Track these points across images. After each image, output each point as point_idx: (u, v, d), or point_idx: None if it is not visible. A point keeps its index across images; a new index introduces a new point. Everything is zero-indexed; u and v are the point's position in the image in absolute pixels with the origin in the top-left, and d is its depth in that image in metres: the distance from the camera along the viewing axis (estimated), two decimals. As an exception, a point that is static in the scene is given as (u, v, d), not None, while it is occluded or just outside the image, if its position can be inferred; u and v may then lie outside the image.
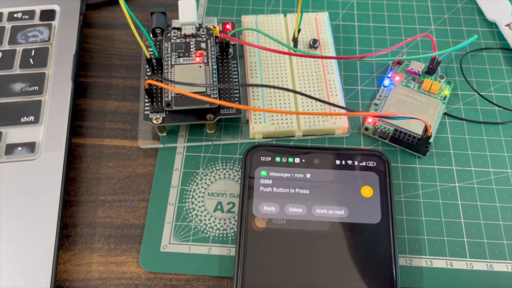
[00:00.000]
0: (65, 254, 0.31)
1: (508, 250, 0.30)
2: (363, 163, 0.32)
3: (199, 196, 0.32)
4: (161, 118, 0.33)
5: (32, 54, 0.36)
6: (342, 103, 0.34)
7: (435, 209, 0.32)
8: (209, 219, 0.31)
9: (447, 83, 0.36)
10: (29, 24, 0.38)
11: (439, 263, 0.30)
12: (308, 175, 0.31)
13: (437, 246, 0.30)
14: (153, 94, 0.33)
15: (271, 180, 0.31)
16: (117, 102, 0.37)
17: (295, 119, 0.34)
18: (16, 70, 0.35)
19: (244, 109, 0.34)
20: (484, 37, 0.39)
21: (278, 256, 0.29)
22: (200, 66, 0.33)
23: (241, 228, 0.29)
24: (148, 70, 0.35)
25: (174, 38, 0.35)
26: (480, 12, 0.41)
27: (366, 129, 0.34)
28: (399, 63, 0.37)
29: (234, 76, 0.35)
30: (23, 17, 0.38)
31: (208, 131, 0.35)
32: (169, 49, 0.34)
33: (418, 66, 0.36)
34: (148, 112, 0.33)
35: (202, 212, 0.32)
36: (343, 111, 0.33)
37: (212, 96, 0.32)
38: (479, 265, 0.30)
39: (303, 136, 0.34)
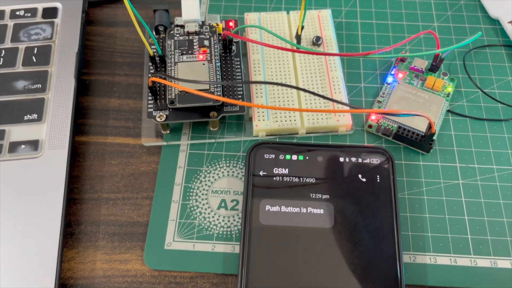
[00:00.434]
0: (69, 252, 0.31)
1: (512, 247, 0.30)
2: (367, 160, 0.32)
3: (202, 194, 0.32)
4: (164, 116, 0.32)
5: (35, 52, 0.36)
6: (345, 100, 0.34)
7: (439, 206, 0.32)
8: (213, 217, 0.31)
9: (450, 80, 0.36)
10: (31, 22, 0.38)
11: (443, 260, 0.30)
12: (311, 173, 0.31)
13: (441, 243, 0.30)
14: (157, 92, 0.33)
15: (275, 178, 0.31)
16: (120, 100, 0.37)
17: (299, 116, 0.34)
18: (19, 68, 0.35)
19: (247, 107, 0.34)
20: (487, 34, 0.39)
21: (282, 253, 0.29)
22: (203, 64, 0.33)
23: (245, 225, 0.29)
24: (151, 67, 0.34)
25: (177, 35, 0.35)
26: (483, 9, 0.41)
27: (370, 126, 0.34)
28: (402, 60, 0.37)
29: (237, 74, 0.35)
30: (26, 14, 0.38)
31: (211, 129, 0.34)
32: (172, 46, 0.34)
33: (421, 63, 0.36)
34: (151, 110, 0.33)
35: (206, 209, 0.32)
36: (347, 108, 0.33)
37: (215, 94, 0.32)
38: (483, 262, 0.30)
39: (306, 133, 0.34)
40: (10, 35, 0.37)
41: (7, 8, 0.38)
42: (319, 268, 0.28)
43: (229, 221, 0.31)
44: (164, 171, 0.33)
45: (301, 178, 0.31)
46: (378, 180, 0.31)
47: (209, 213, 0.32)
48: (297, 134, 0.34)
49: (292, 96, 0.34)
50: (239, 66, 0.35)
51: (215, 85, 0.32)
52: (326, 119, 0.34)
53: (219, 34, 0.35)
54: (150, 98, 0.33)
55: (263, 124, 0.33)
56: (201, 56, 0.33)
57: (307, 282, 0.28)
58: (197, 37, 0.35)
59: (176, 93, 0.32)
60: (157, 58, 0.34)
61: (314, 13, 0.38)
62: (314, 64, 0.36)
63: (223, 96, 0.33)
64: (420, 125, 0.33)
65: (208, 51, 0.34)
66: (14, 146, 0.32)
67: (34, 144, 0.32)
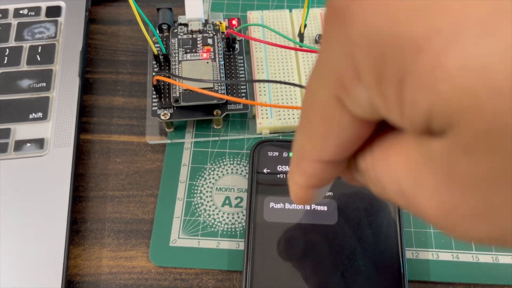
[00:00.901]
0: (75, 249, 0.31)
1: (513, 242, 0.31)
2: (370, 158, 0.32)
3: (207, 191, 0.33)
4: (169, 114, 0.33)
5: (39, 50, 0.36)
6: (348, 98, 0.35)
7: (441, 203, 0.32)
8: (217, 214, 0.32)
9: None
10: (35, 20, 0.38)
11: (445, 256, 0.30)
12: (315, 170, 0.32)
13: (443, 239, 0.31)
14: (161, 90, 0.33)
15: (278, 175, 0.31)
16: (124, 98, 0.37)
17: (302, 114, 0.34)
18: (23, 67, 0.36)
19: (251, 105, 0.34)
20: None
21: (287, 249, 0.29)
22: (207, 62, 0.33)
23: (250, 222, 0.30)
24: (156, 66, 0.35)
25: (181, 34, 0.35)
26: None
27: (372, 124, 0.35)
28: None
29: (240, 72, 0.35)
30: (29, 13, 0.38)
31: (215, 127, 0.35)
32: (176, 45, 0.34)
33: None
34: (156, 108, 0.33)
35: (210, 207, 0.32)
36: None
37: (219, 92, 0.32)
38: (485, 258, 0.30)
39: (309, 131, 0.34)
40: (14, 34, 0.37)
41: (11, 7, 0.38)
42: (323, 264, 0.29)
43: (233, 218, 0.32)
44: (169, 169, 0.33)
45: (305, 176, 0.31)
46: (381, 177, 0.31)
47: (213, 210, 0.32)
48: (300, 131, 0.34)
49: (295, 94, 0.35)
50: (242, 65, 0.35)
51: (219, 84, 0.32)
52: (329, 116, 0.34)
53: (222, 33, 0.35)
54: (154, 96, 0.33)
55: (266, 122, 0.34)
56: (205, 55, 0.34)
57: (311, 279, 0.28)
58: (200, 35, 0.35)
59: (180, 91, 0.32)
60: (161, 57, 0.34)
61: (317, 11, 0.38)
62: (316, 62, 0.36)
63: (227, 94, 0.33)
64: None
65: (211, 49, 0.34)
66: (19, 145, 0.32)
67: (39, 143, 0.33)
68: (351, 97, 0.13)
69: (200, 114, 0.33)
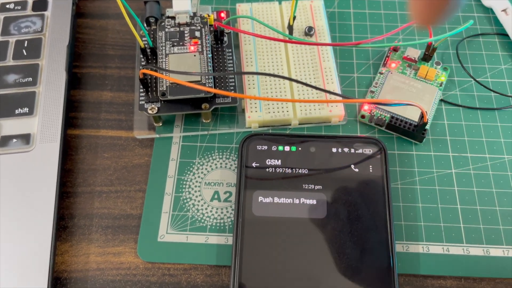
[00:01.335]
0: (63, 245, 0.31)
1: (504, 235, 0.30)
2: (360, 151, 0.32)
3: (195, 186, 0.32)
4: (156, 108, 0.32)
5: (25, 45, 0.36)
6: (338, 90, 0.34)
7: (431, 196, 0.32)
8: (206, 209, 0.31)
9: (443, 70, 0.36)
10: (21, 14, 0.37)
11: (435, 249, 0.30)
12: (304, 163, 0.31)
13: (433, 232, 0.31)
14: (148, 84, 0.33)
15: (267, 169, 0.31)
16: (112, 93, 0.36)
17: (291, 107, 0.34)
18: (9, 62, 0.35)
19: (240, 98, 0.34)
20: (480, 22, 0.39)
21: (275, 244, 0.29)
22: (194, 55, 0.33)
23: (238, 217, 0.29)
24: (143, 59, 0.34)
25: (168, 27, 0.34)
26: (476, -2, 0.41)
27: (363, 116, 0.34)
28: (395, 49, 0.37)
29: (229, 65, 0.35)
30: (15, 7, 0.38)
31: (204, 121, 0.34)
32: (163, 38, 0.34)
33: (414, 53, 0.36)
34: (143, 102, 0.33)
35: (199, 201, 0.32)
36: (339, 98, 0.33)
37: (207, 85, 0.32)
38: (476, 251, 0.30)
39: (299, 124, 0.34)
40: (0, 28, 0.37)
41: (-3, 1, 0.38)
42: (312, 258, 0.28)
43: (222, 212, 0.31)
44: (157, 164, 0.33)
45: (294, 169, 0.31)
46: (371, 170, 0.31)
47: (202, 205, 0.32)
48: (290, 125, 0.34)
49: (284, 87, 0.34)
50: (231, 57, 0.35)
51: (207, 77, 0.32)
52: (319, 109, 0.33)
53: (211, 25, 0.35)
54: (141, 90, 0.33)
55: (255, 115, 0.33)
56: (192, 48, 0.33)
57: (300, 273, 0.28)
58: (188, 28, 0.34)
59: (167, 85, 0.32)
60: (148, 50, 0.34)
61: (307, 3, 0.38)
62: (306, 54, 0.36)
63: (215, 87, 0.33)
64: (413, 115, 0.33)
65: (199, 42, 0.34)
66: (5, 140, 0.32)
67: (25, 138, 0.32)
68: None
69: (188, 108, 0.33)
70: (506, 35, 0.38)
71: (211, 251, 0.30)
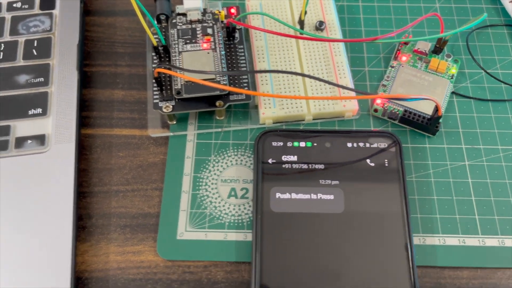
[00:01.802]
0: (82, 245, 0.31)
1: (518, 225, 0.31)
2: (374, 145, 0.32)
3: (212, 183, 0.32)
4: (171, 107, 0.32)
5: (35, 44, 0.36)
6: (351, 85, 0.34)
7: (446, 188, 0.32)
8: (223, 206, 0.32)
9: (454, 62, 0.36)
10: (29, 13, 0.37)
11: (452, 240, 0.31)
12: (320, 159, 0.32)
13: (449, 224, 0.31)
14: (162, 83, 0.33)
15: (284, 165, 0.31)
16: (124, 91, 0.36)
17: (305, 103, 0.34)
18: (20, 62, 0.35)
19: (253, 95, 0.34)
20: (489, 14, 0.39)
21: (295, 239, 0.29)
22: (208, 53, 0.33)
23: (257, 213, 0.30)
24: (155, 58, 0.34)
25: (179, 24, 0.34)
26: (484, -11, 0.41)
27: (376, 110, 0.34)
28: (406, 43, 0.37)
29: (241, 61, 0.35)
30: (23, 6, 0.37)
31: (217, 118, 0.34)
32: (176, 35, 0.34)
33: (425, 46, 0.36)
34: (157, 101, 0.33)
35: (216, 199, 0.32)
36: (353, 93, 0.33)
37: (221, 83, 0.32)
38: (491, 241, 0.30)
39: (313, 119, 0.34)
40: (8, 28, 0.36)
41: (4, 1, 0.37)
42: (331, 253, 0.29)
43: (240, 209, 0.32)
44: (172, 162, 0.33)
45: (310, 165, 0.31)
46: (386, 164, 0.31)
47: (219, 202, 0.32)
48: (304, 120, 0.34)
49: (297, 83, 0.34)
50: (243, 54, 0.35)
51: (221, 74, 0.32)
52: (333, 104, 0.34)
53: (222, 22, 0.35)
54: (155, 89, 0.33)
55: (269, 111, 0.33)
56: (205, 45, 0.33)
57: (320, 267, 0.28)
58: (200, 25, 0.34)
59: (182, 83, 0.32)
60: (160, 48, 0.34)
61: (316, -3, 0.38)
62: (318, 49, 0.36)
63: (229, 85, 0.33)
64: (425, 108, 0.33)
65: (211, 39, 0.33)
66: (20, 142, 0.32)
67: (40, 139, 0.32)
68: None
69: (203, 105, 0.33)
70: (514, 26, 0.39)
71: (230, 247, 0.30)
